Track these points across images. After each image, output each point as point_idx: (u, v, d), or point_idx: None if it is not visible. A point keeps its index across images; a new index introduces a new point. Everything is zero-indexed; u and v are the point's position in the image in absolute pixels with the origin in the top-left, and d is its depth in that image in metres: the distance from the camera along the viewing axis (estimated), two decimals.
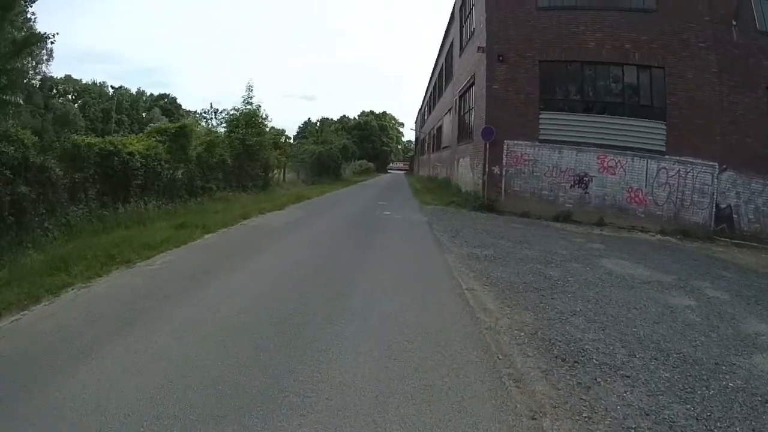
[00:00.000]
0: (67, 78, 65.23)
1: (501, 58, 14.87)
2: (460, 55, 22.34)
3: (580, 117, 14.49)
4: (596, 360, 3.90)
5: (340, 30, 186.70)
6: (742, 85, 13.42)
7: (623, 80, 14.33)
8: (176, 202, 11.17)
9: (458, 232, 10.36)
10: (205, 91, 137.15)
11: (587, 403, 3.19)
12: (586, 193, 14.26)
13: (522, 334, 4.41)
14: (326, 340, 3.97)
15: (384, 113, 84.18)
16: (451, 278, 6.46)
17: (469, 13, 19.75)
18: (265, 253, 7.57)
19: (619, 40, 14.00)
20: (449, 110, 25.83)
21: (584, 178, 14.24)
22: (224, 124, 19.10)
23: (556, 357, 3.92)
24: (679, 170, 13.66)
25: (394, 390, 3.18)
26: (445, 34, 29.60)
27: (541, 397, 3.24)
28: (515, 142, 14.72)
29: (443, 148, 29.19)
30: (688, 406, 3.27)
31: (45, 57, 38.74)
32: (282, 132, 28.99)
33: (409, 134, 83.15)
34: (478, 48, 15.99)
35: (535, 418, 2.96)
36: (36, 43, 24.44)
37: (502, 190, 14.93)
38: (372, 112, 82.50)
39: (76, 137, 9.49)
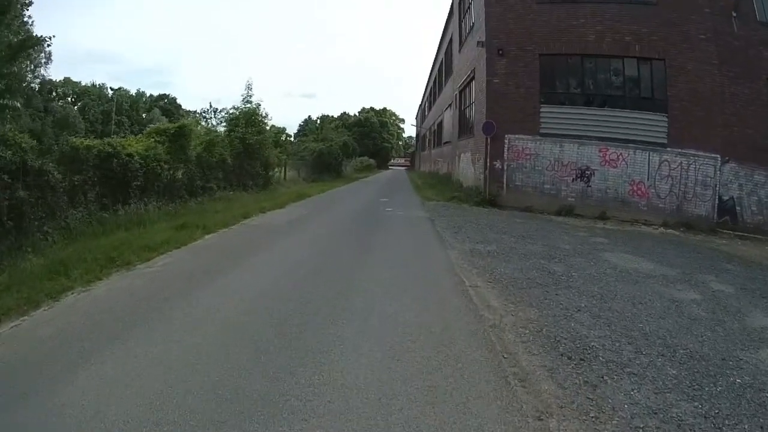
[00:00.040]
0: (67, 80, 65.25)
1: (501, 52, 14.77)
2: (459, 50, 22.23)
3: (582, 110, 14.41)
4: (602, 357, 3.85)
5: (340, 27, 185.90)
6: (743, 77, 13.34)
7: (624, 73, 14.22)
8: (176, 203, 11.10)
9: (460, 228, 10.31)
10: (206, 90, 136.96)
11: (594, 402, 3.14)
12: (588, 186, 14.18)
13: (527, 331, 4.36)
14: (327, 341, 3.92)
15: (384, 109, 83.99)
16: (454, 275, 6.41)
17: (468, 7, 19.63)
18: (266, 253, 7.52)
19: (620, 32, 13.89)
20: (449, 105, 25.72)
21: (586, 172, 14.16)
22: (224, 124, 19.03)
23: (562, 355, 3.87)
24: (681, 162, 13.58)
25: (397, 392, 3.13)
26: (444, 29, 29.46)
27: (547, 396, 3.19)
28: (516, 136, 14.63)
29: (444, 143, 29.10)
30: (696, 403, 3.22)
31: (44, 60, 38.72)
32: (283, 130, 28.97)
33: (409, 130, 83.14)
34: (478, 42, 15.88)
35: (542, 419, 2.92)
36: (32, 46, 24.37)
37: (504, 185, 14.86)
38: (372, 109, 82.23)
39: (74, 140, 9.46)
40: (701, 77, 13.46)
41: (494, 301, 5.28)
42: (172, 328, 4.11)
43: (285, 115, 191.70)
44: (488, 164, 14.95)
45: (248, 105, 18.48)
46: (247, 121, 17.52)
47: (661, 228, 12.87)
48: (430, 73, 41.42)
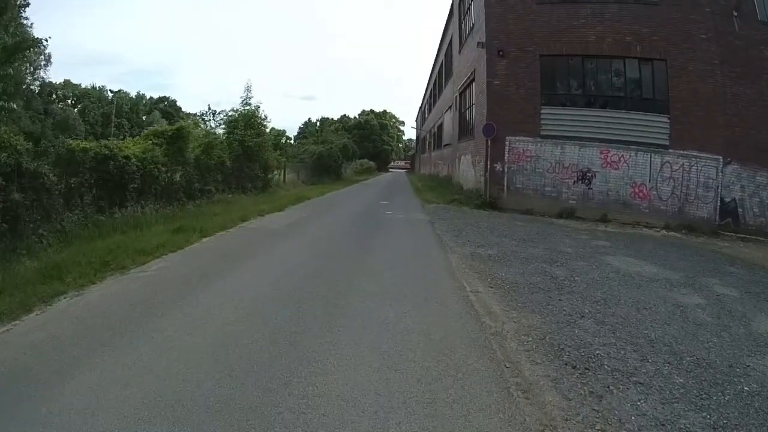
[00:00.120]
0: (67, 83, 65.25)
1: (501, 53, 14.70)
2: (459, 52, 22.17)
3: (582, 112, 14.33)
4: (608, 366, 3.74)
5: (340, 28, 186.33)
6: (745, 77, 13.27)
7: (625, 74, 14.15)
8: (174, 206, 11.01)
9: (461, 231, 10.22)
10: (206, 92, 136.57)
11: (600, 414, 3.02)
12: (589, 189, 14.08)
13: (529, 339, 4.25)
14: (323, 349, 3.81)
15: (384, 112, 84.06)
16: (455, 280, 6.32)
17: (468, 8, 19.57)
18: (263, 257, 7.42)
19: (620, 32, 13.82)
20: (449, 107, 25.67)
21: (587, 174, 14.06)
22: (223, 126, 18.95)
23: (566, 364, 3.75)
24: (683, 164, 13.48)
25: (395, 404, 3.01)
26: (444, 31, 29.43)
27: (551, 408, 3.08)
28: (517, 138, 14.54)
29: (444, 145, 29.04)
30: (704, 413, 3.12)
31: (43, 62, 38.71)
32: (283, 133, 28.91)
33: (410, 132, 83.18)
34: (478, 43, 15.82)
35: None
36: (28, 48, 24.27)
37: (505, 188, 14.76)
38: (372, 111, 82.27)
39: (70, 142, 9.39)
40: (703, 77, 13.39)
41: (495, 306, 5.18)
42: (164, 335, 4.01)
43: (285, 117, 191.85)
44: (489, 166, 14.86)
45: (247, 107, 18.42)
46: (246, 123, 17.44)
47: (663, 230, 12.77)
48: (430, 75, 41.40)
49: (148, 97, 79.34)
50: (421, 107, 56.35)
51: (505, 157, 14.67)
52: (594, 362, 3.79)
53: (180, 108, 77.51)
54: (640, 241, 10.67)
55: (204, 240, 8.44)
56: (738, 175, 13.28)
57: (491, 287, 5.95)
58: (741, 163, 13.22)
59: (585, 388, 3.37)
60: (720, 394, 3.41)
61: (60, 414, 2.76)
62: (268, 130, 20.54)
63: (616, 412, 3.05)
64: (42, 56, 37.68)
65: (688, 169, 13.47)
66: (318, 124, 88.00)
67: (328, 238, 9.40)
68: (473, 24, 18.04)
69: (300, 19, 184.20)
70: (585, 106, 14.45)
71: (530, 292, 5.76)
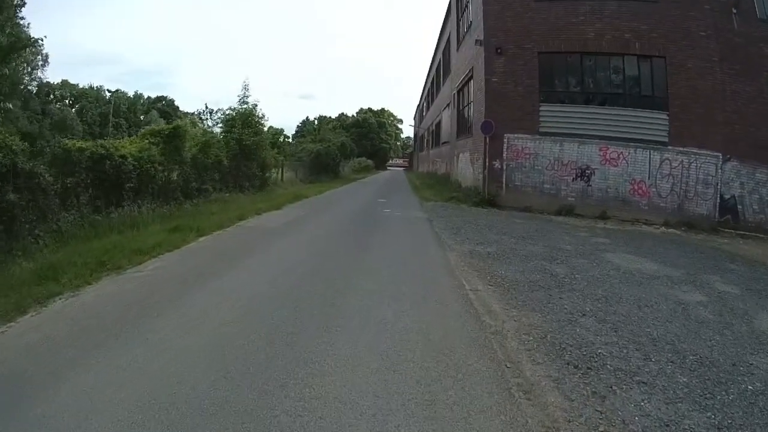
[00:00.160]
0: (64, 83, 65.11)
1: (499, 50, 14.63)
2: (457, 49, 22.11)
3: (581, 109, 14.27)
4: (610, 365, 3.68)
5: (339, 28, 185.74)
6: (744, 74, 13.26)
7: (624, 70, 14.11)
8: (171, 205, 10.93)
9: (459, 229, 10.16)
10: (205, 92, 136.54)
11: (603, 415, 2.96)
12: (588, 186, 14.04)
13: (530, 338, 4.19)
14: (320, 350, 3.73)
15: (382, 110, 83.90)
16: (454, 278, 6.25)
17: (466, 5, 19.49)
18: (259, 256, 7.35)
19: (619, 29, 13.78)
20: (447, 105, 25.60)
21: (586, 171, 14.02)
22: (220, 124, 18.84)
23: (568, 363, 3.69)
24: (682, 161, 13.45)
25: (393, 406, 2.94)
26: (442, 29, 29.35)
27: (553, 409, 3.02)
28: (515, 135, 14.48)
29: (442, 143, 28.98)
30: (709, 413, 3.07)
31: (40, 62, 38.58)
32: (281, 131, 28.88)
33: (408, 131, 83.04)
34: (476, 41, 15.75)
35: None
36: (23, 48, 24.13)
37: (503, 185, 14.70)
38: (370, 110, 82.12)
39: (66, 141, 9.31)
40: (702, 74, 13.37)
41: (495, 305, 5.12)
42: (159, 335, 3.95)
43: (283, 116, 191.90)
44: (487, 164, 14.80)
45: (245, 105, 18.31)
46: (244, 121, 17.34)
47: (663, 227, 12.74)
48: (428, 73, 41.33)
49: (146, 97, 79.22)
50: (419, 105, 56.27)
51: (504, 155, 14.61)
52: (596, 362, 3.74)
53: (178, 107, 77.41)
54: (639, 238, 10.63)
55: (201, 239, 8.36)
56: (737, 172, 13.27)
57: (491, 285, 5.89)
58: (740, 160, 13.21)
59: (587, 388, 3.31)
60: (724, 393, 3.37)
61: (54, 416, 2.72)
62: (266, 129, 20.42)
63: (620, 413, 2.99)
64: (39, 56, 37.63)
65: (687, 166, 13.44)
66: (316, 122, 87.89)
67: (325, 237, 9.34)
68: (471, 21, 17.96)
69: (300, 19, 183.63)
70: (584, 103, 14.38)
71: (530, 290, 5.71)
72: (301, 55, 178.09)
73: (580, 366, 3.65)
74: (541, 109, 14.38)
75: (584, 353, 3.89)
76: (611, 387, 3.34)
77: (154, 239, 7.61)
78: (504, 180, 14.69)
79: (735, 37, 13.28)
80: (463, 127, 20.51)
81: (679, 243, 10.51)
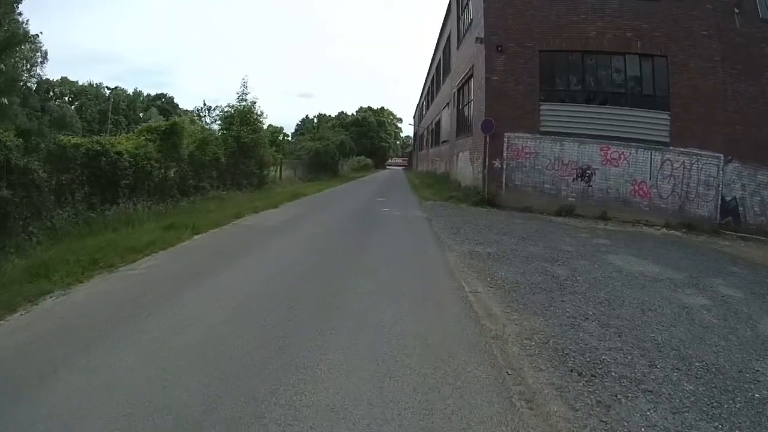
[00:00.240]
0: (64, 80, 65.04)
1: (500, 48, 14.50)
2: (457, 48, 21.97)
3: (582, 108, 14.16)
4: (615, 372, 3.56)
5: (339, 27, 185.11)
6: (746, 74, 13.20)
7: (625, 70, 14.02)
8: (167, 203, 10.81)
9: (459, 229, 10.04)
10: (205, 90, 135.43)
11: (609, 425, 2.85)
12: (589, 186, 13.93)
13: (532, 343, 4.07)
14: (313, 355, 3.60)
15: (382, 109, 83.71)
16: (453, 279, 6.13)
17: (467, 3, 19.37)
18: (255, 255, 7.23)
19: (621, 28, 13.69)
20: (447, 104, 25.48)
21: (587, 171, 13.91)
22: (218, 122, 18.72)
23: (571, 370, 3.57)
24: (683, 162, 13.37)
25: (389, 416, 2.81)
26: (442, 27, 29.21)
27: (556, 420, 2.89)
28: (516, 134, 14.36)
29: (442, 142, 28.86)
30: (716, 423, 2.97)
31: (39, 59, 38.42)
32: (280, 130, 28.79)
33: (407, 129, 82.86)
34: (476, 39, 15.60)
35: None
36: (19, 44, 23.90)
37: (503, 185, 14.58)
38: (370, 108, 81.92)
39: (61, 138, 9.19)
40: (703, 74, 13.29)
41: (496, 308, 5.00)
42: (150, 336, 3.84)
43: (282, 114, 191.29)
44: (487, 163, 14.68)
45: (243, 103, 18.20)
46: (242, 119, 17.24)
47: (663, 229, 12.65)
48: (428, 72, 41.19)
49: (145, 94, 79.06)
50: (418, 104, 56.12)
51: (504, 154, 14.49)
52: (600, 368, 3.62)
53: (177, 105, 77.31)
54: (640, 240, 10.54)
55: (196, 237, 8.25)
56: (739, 174, 13.20)
57: (491, 287, 5.78)
58: (742, 162, 13.14)
59: (592, 396, 3.19)
60: (731, 401, 3.26)
61: (43, 420, 2.64)
62: (264, 127, 20.29)
63: (626, 424, 2.88)
64: (38, 53, 37.50)
65: (688, 167, 13.35)
66: (315, 120, 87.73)
67: (324, 235, 9.23)
68: (471, 19, 17.84)
69: (300, 19, 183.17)
70: (585, 102, 14.28)
71: (531, 293, 5.59)
72: (300, 55, 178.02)
73: (583, 373, 3.53)
74: (541, 108, 14.26)
75: (588, 359, 3.77)
76: (616, 395, 3.22)
77: (148, 237, 7.49)
78: (504, 179, 14.57)
79: (737, 37, 13.21)
80: (462, 126, 20.39)
81: (680, 245, 10.42)
